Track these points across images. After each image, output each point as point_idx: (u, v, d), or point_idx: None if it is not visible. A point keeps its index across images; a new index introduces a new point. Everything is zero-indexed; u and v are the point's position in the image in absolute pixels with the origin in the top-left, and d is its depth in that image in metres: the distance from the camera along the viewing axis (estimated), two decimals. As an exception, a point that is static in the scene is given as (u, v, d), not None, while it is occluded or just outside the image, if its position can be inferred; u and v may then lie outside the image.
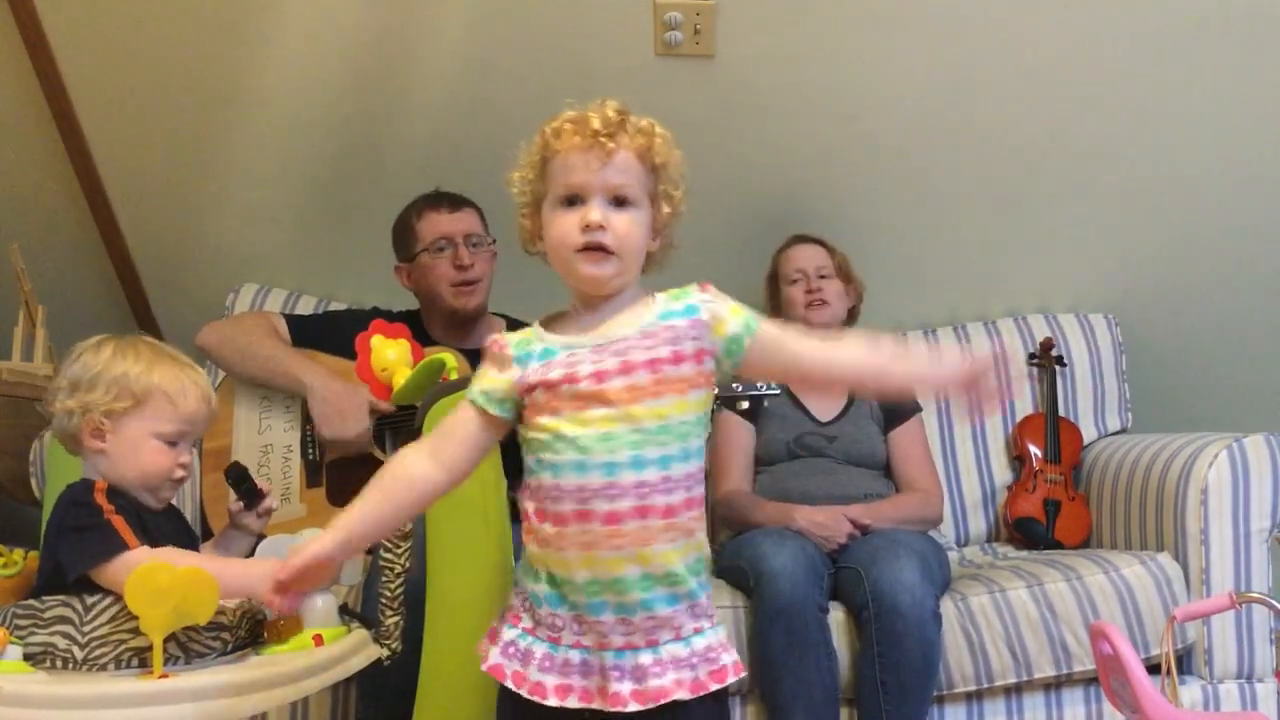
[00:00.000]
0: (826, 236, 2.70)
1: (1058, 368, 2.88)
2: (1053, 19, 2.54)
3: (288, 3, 2.59)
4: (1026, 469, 2.76)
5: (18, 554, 1.60)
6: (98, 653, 1.37)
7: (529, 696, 1.30)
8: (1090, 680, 2.17)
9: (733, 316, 1.34)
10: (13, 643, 1.37)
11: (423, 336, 2.44)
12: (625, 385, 1.28)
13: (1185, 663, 2.22)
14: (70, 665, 1.38)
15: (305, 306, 2.89)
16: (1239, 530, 2.22)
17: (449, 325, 2.52)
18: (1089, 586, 2.15)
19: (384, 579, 1.64)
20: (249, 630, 1.51)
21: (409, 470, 1.41)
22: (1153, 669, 1.82)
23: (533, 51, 2.63)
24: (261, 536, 1.71)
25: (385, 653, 1.60)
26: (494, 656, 1.35)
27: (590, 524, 1.28)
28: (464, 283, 2.46)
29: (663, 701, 1.26)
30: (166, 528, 1.55)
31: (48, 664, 1.38)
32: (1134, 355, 2.97)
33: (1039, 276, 3.02)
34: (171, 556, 1.44)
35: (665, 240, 1.38)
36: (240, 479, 1.70)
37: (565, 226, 1.32)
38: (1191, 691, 2.19)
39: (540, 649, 1.32)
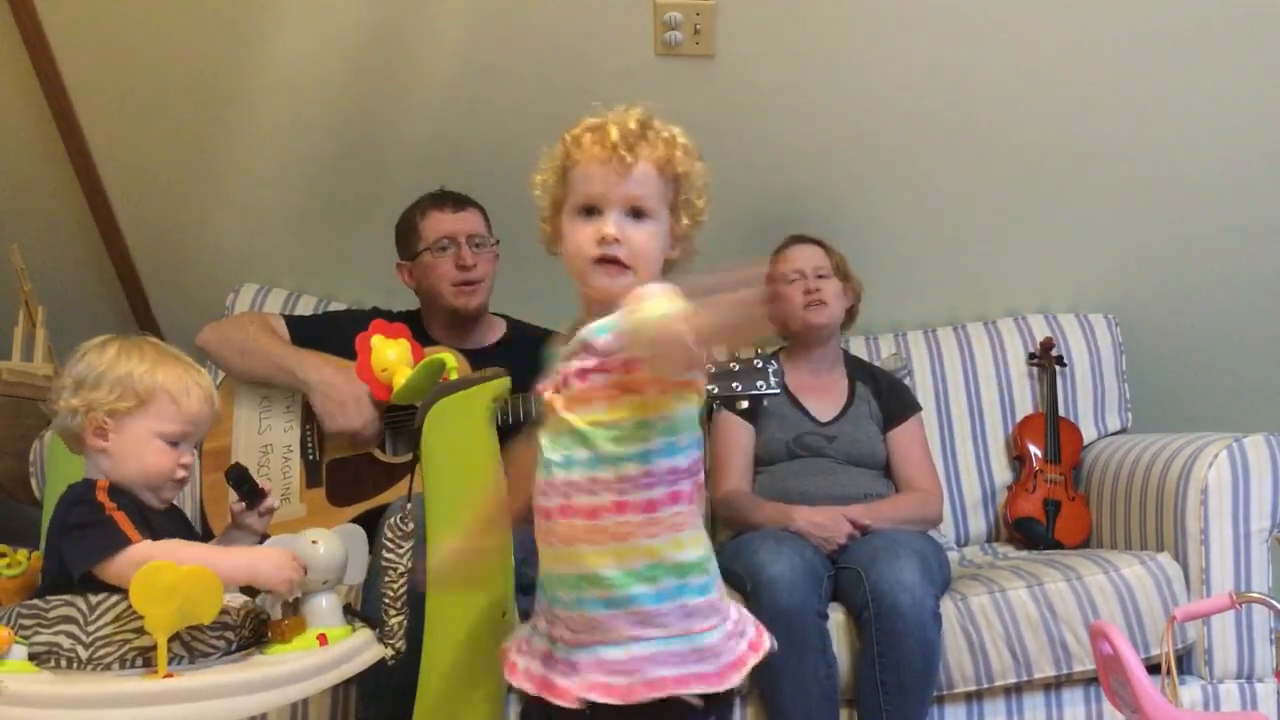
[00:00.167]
0: (826, 237, 2.69)
1: (1058, 368, 2.88)
2: (1053, 19, 2.54)
3: (288, 3, 2.59)
4: (1026, 469, 2.76)
5: (21, 554, 1.60)
6: (102, 652, 1.37)
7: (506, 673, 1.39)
8: (1090, 680, 2.17)
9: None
10: (17, 642, 1.37)
11: (423, 336, 2.44)
12: (567, 391, 1.32)
13: (1185, 663, 2.23)
14: (75, 665, 1.38)
15: (305, 306, 2.89)
16: (1239, 530, 2.22)
17: (449, 325, 2.52)
18: (1089, 586, 2.15)
19: (386, 579, 1.64)
20: (253, 630, 1.51)
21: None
22: (1153, 669, 1.82)
23: (533, 51, 2.63)
24: (265, 536, 1.71)
25: (389, 652, 1.61)
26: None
27: (540, 520, 1.34)
28: (465, 282, 2.46)
29: (595, 699, 1.27)
30: (169, 527, 1.55)
31: (52, 664, 1.38)
32: (1134, 355, 2.98)
33: (1039, 276, 3.02)
34: (175, 548, 1.45)
35: (686, 248, 1.39)
36: (241, 480, 1.70)
37: (582, 237, 1.32)
38: (1191, 691, 2.19)
39: (524, 632, 1.41)
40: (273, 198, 2.95)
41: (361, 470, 2.36)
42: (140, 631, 1.35)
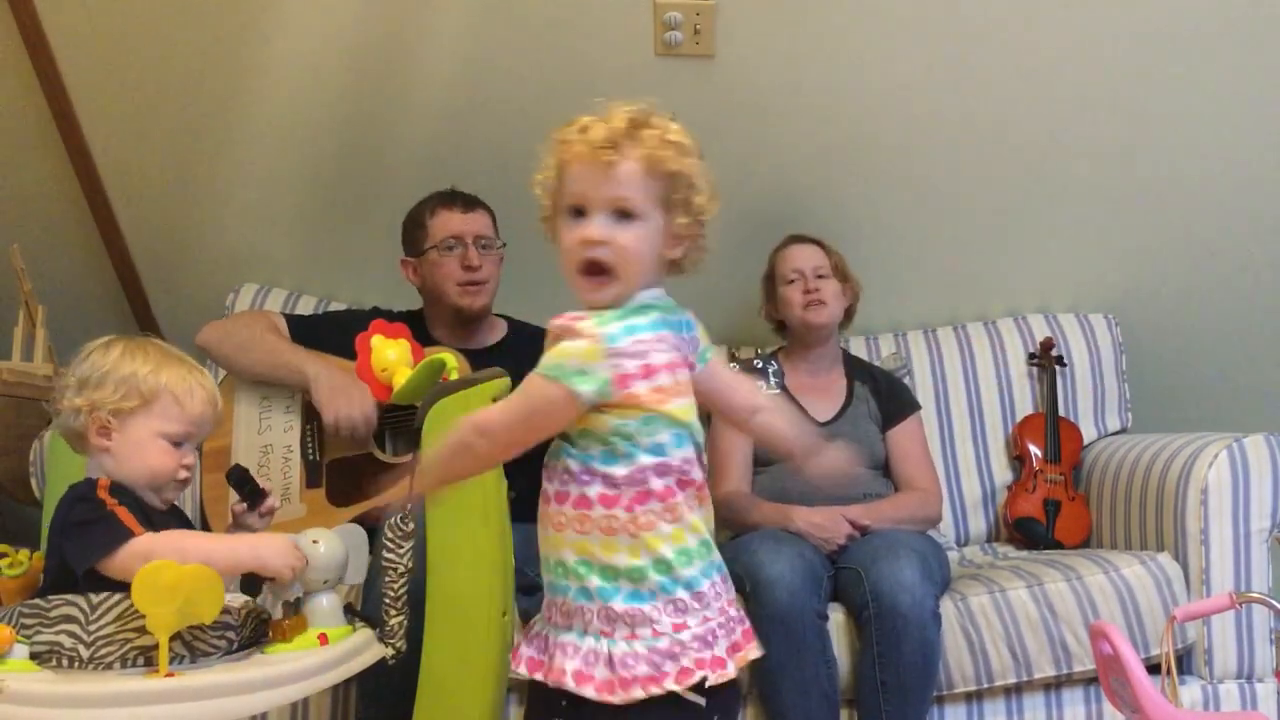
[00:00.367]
0: (826, 237, 2.69)
1: (1058, 368, 2.88)
2: (1053, 19, 2.54)
3: (287, 3, 2.59)
4: (1026, 469, 2.76)
5: (23, 554, 1.60)
6: (103, 651, 1.38)
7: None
8: (1090, 680, 2.17)
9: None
10: (19, 642, 1.37)
11: (424, 336, 2.44)
12: None
13: (1185, 663, 2.23)
14: (76, 664, 1.38)
15: (305, 306, 2.89)
16: (1239, 530, 2.22)
17: (452, 324, 2.52)
18: (1089, 586, 2.15)
19: (387, 579, 1.64)
20: (254, 629, 1.52)
21: None
22: (1153, 669, 1.82)
23: (533, 51, 2.63)
24: (266, 536, 1.72)
25: (390, 652, 1.61)
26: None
27: None
28: (470, 283, 2.46)
29: (566, 688, 1.31)
30: (170, 526, 1.55)
31: (54, 663, 1.38)
32: (1134, 355, 2.98)
33: (1039, 276, 3.03)
34: (178, 538, 1.46)
35: (691, 247, 1.38)
36: (242, 481, 1.70)
37: (569, 240, 1.33)
38: (1191, 691, 2.19)
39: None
40: (272, 198, 2.95)
41: (362, 470, 2.36)
42: (141, 631, 1.35)
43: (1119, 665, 1.68)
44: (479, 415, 1.33)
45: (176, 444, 1.57)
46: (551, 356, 1.27)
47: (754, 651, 1.40)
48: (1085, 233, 2.92)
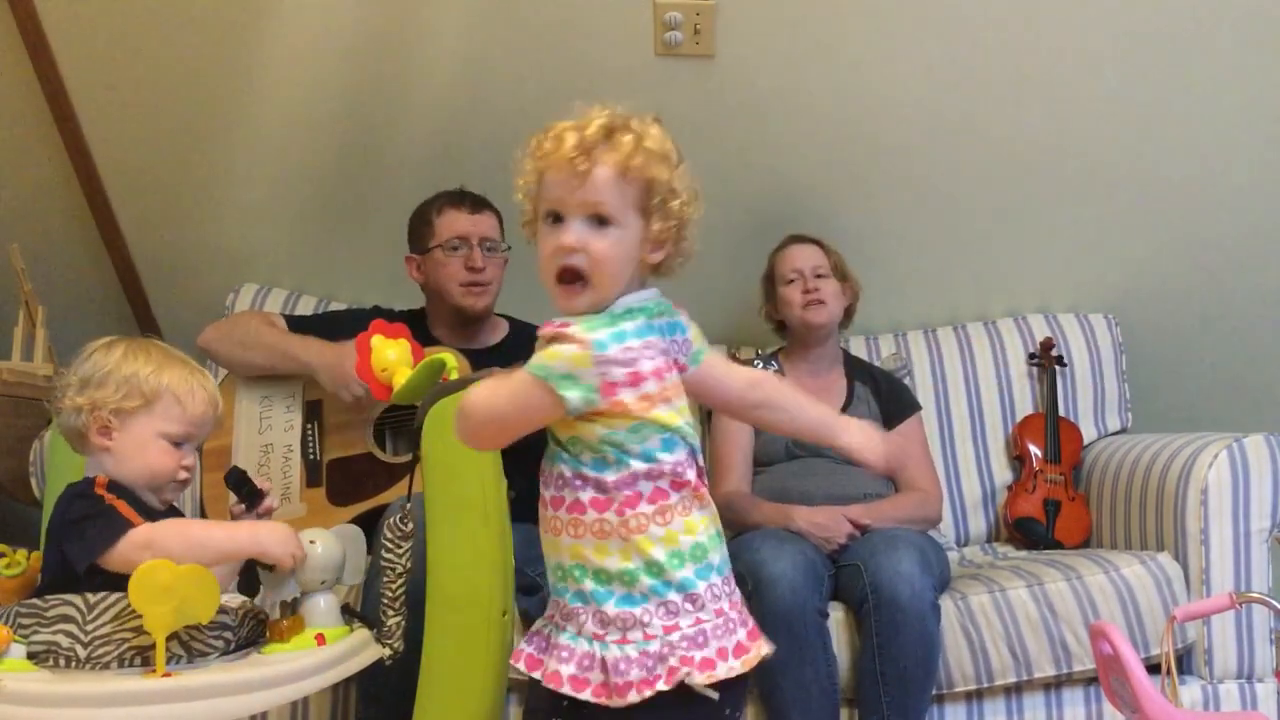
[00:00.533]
0: (826, 237, 2.70)
1: (1058, 368, 2.88)
2: (1053, 19, 2.54)
3: (287, 3, 2.59)
4: (1026, 469, 2.76)
5: (21, 554, 1.60)
6: (100, 651, 1.38)
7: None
8: (1090, 680, 2.17)
9: None
10: (16, 641, 1.38)
11: (425, 335, 2.45)
12: None
13: (1185, 663, 2.23)
14: (73, 664, 1.38)
15: (305, 306, 2.90)
16: (1239, 530, 2.22)
17: (453, 323, 2.52)
18: (1089, 586, 2.15)
19: (385, 579, 1.64)
20: (251, 630, 1.52)
21: None
22: (1153, 669, 1.82)
23: (532, 51, 2.63)
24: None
25: (387, 652, 1.61)
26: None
27: None
28: (473, 284, 2.46)
29: (563, 692, 1.31)
30: (170, 526, 1.55)
31: (51, 663, 1.38)
32: (1134, 355, 2.98)
33: (1039, 276, 3.02)
34: (180, 525, 1.46)
35: (672, 251, 1.36)
36: (240, 482, 1.70)
37: (546, 247, 1.32)
38: (1191, 691, 2.19)
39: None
40: (273, 198, 2.95)
41: (361, 470, 2.36)
42: (139, 630, 1.36)
43: (1119, 665, 1.68)
44: (467, 395, 1.32)
45: (177, 444, 1.57)
46: (542, 357, 1.26)
47: (764, 647, 1.39)
48: (1085, 233, 2.92)
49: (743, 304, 2.81)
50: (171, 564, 1.32)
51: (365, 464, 2.36)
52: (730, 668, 1.33)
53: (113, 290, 3.13)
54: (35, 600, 1.42)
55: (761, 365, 2.10)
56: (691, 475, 1.35)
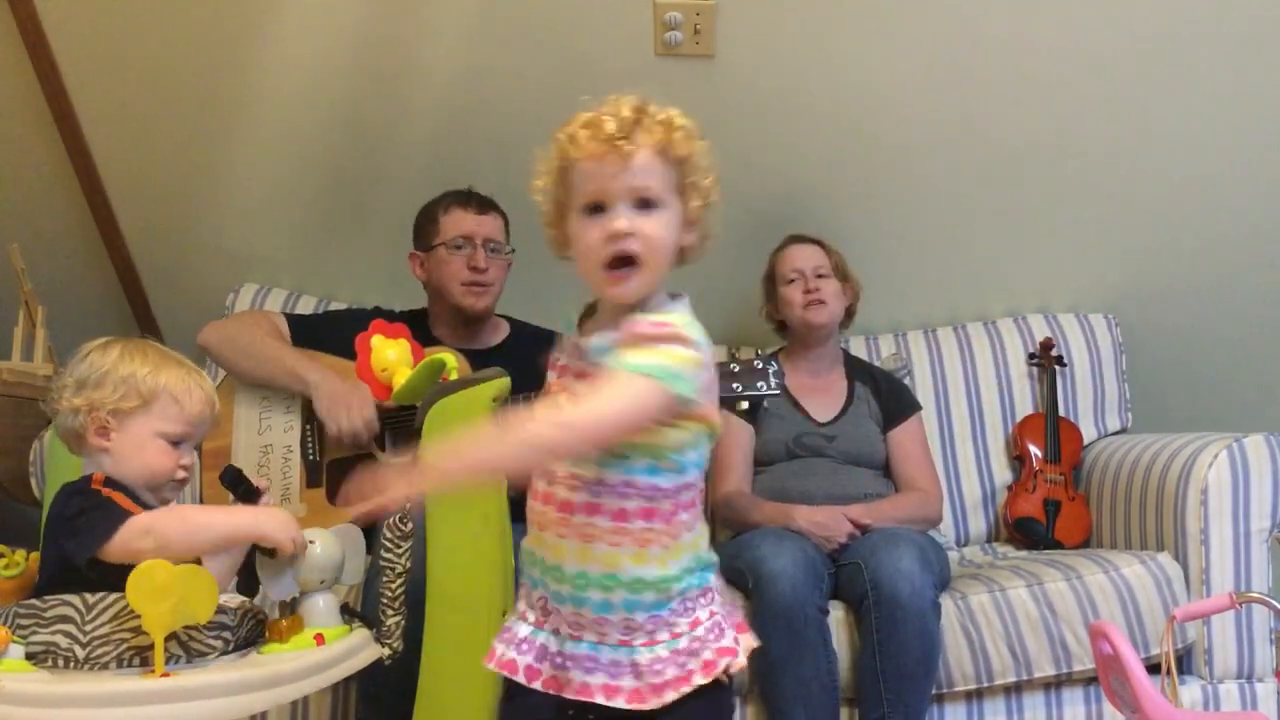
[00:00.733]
0: (826, 237, 2.70)
1: (1058, 368, 2.88)
2: (1053, 19, 2.54)
3: (288, 3, 2.59)
4: (1026, 469, 2.76)
5: (20, 554, 1.60)
6: (99, 651, 1.37)
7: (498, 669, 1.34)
8: (1090, 680, 2.17)
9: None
10: (15, 642, 1.37)
11: (425, 334, 2.45)
12: (569, 389, 1.32)
13: (1185, 663, 2.23)
14: (72, 664, 1.38)
15: (305, 306, 2.90)
16: (1239, 530, 2.22)
17: (454, 323, 2.52)
18: (1089, 586, 2.15)
19: (385, 579, 1.64)
20: (251, 630, 1.52)
21: None
22: (1153, 669, 1.82)
23: (532, 52, 2.63)
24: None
25: (386, 652, 1.61)
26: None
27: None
28: (475, 284, 2.46)
29: (595, 702, 1.28)
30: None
31: (50, 663, 1.38)
32: (1134, 355, 2.98)
33: (1039, 276, 3.02)
34: (178, 511, 1.46)
35: (701, 232, 1.35)
36: (236, 481, 1.70)
37: (591, 238, 1.28)
38: (1191, 691, 2.19)
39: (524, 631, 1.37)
40: (272, 198, 2.95)
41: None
42: (137, 631, 1.35)
43: (1119, 665, 1.68)
44: (560, 413, 1.25)
45: (175, 444, 1.57)
46: (649, 355, 1.22)
47: (754, 640, 1.40)
48: (1085, 233, 2.92)
49: (743, 304, 2.81)
50: (169, 564, 1.31)
51: (365, 464, 2.36)
52: (748, 644, 1.35)
53: (113, 290, 3.13)
54: (34, 601, 1.41)
55: (761, 365, 2.10)
56: (698, 506, 1.35)
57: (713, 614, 1.34)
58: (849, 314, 2.70)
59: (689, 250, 1.35)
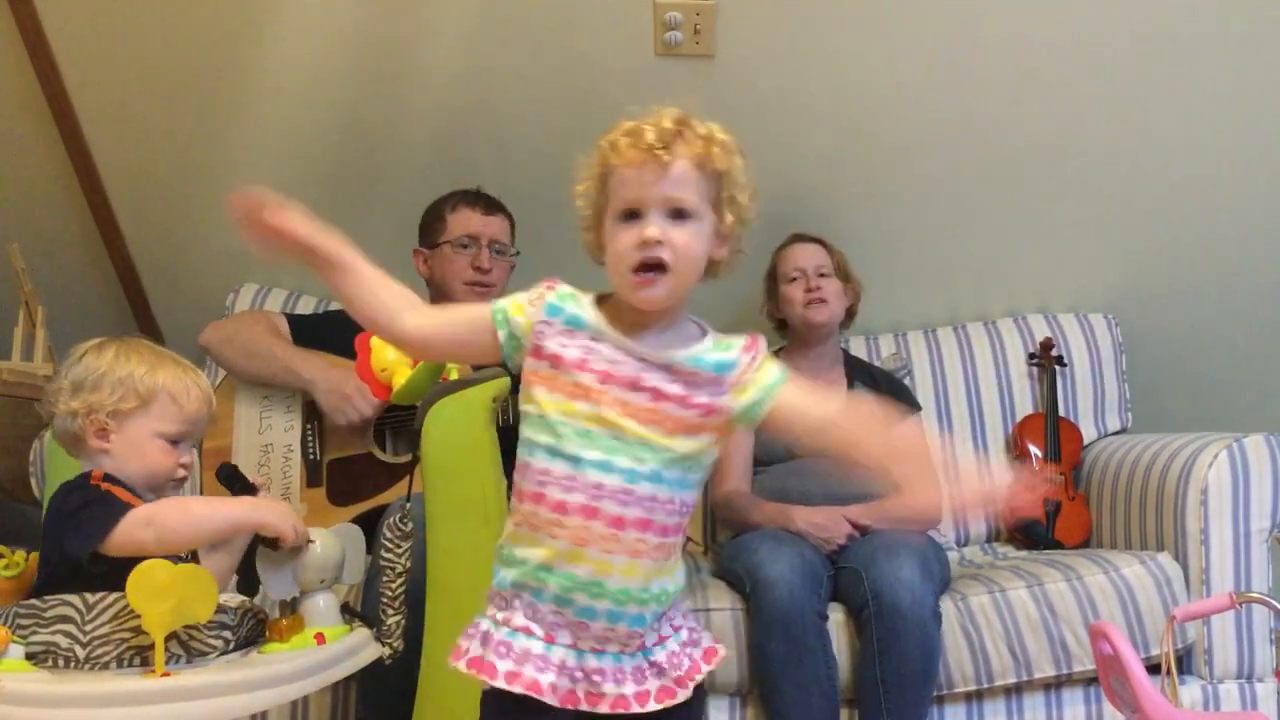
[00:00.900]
0: (826, 236, 2.70)
1: (1058, 368, 2.88)
2: (1053, 19, 2.54)
3: (288, 3, 2.59)
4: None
5: (19, 555, 1.60)
6: (99, 651, 1.38)
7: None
8: (1090, 680, 2.17)
9: (756, 384, 1.32)
10: (15, 642, 1.37)
11: (424, 336, 2.44)
12: (621, 399, 1.26)
13: (1185, 663, 2.23)
14: (72, 664, 1.38)
15: (305, 306, 2.90)
16: (1239, 530, 2.22)
17: (455, 322, 2.52)
18: (1089, 586, 2.15)
19: (385, 578, 1.64)
20: (251, 629, 1.52)
21: (394, 290, 1.46)
22: (1153, 669, 1.82)
23: (532, 52, 2.63)
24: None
25: (387, 651, 1.61)
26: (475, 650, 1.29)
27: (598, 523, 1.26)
28: (477, 284, 2.47)
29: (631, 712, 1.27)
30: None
31: (50, 663, 1.38)
32: (1134, 355, 2.98)
33: (1039, 276, 3.02)
34: (180, 501, 1.46)
35: (733, 247, 1.37)
36: (232, 478, 1.70)
37: (623, 243, 1.28)
38: (1191, 691, 2.19)
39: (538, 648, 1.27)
40: (273, 198, 2.95)
41: (361, 470, 2.36)
42: (137, 630, 1.36)
43: (1119, 665, 1.68)
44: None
45: (174, 443, 1.57)
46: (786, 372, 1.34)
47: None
48: (1085, 233, 2.92)
49: (743, 303, 2.81)
50: (169, 564, 1.32)
51: (365, 464, 2.36)
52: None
53: (113, 290, 3.13)
54: (34, 600, 1.42)
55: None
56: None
57: (686, 608, 1.39)
58: (850, 314, 2.70)
59: (719, 265, 1.36)
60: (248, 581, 1.59)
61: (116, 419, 1.54)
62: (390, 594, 1.63)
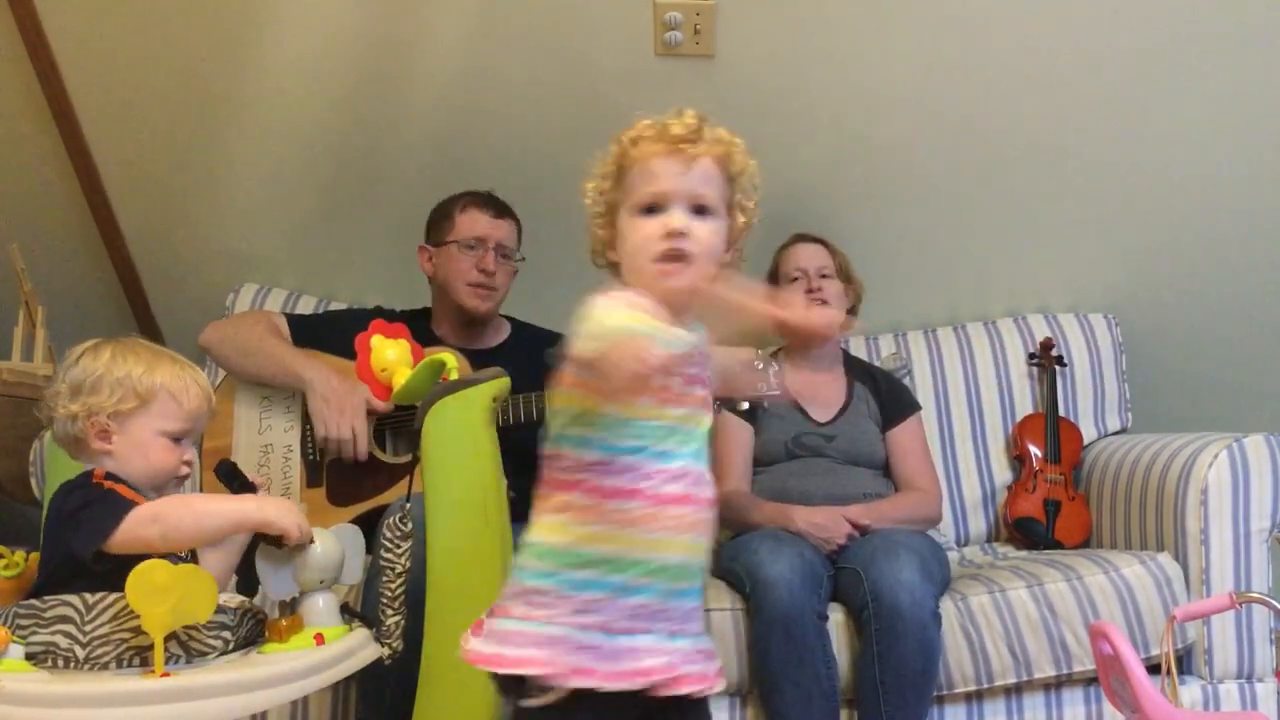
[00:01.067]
0: (826, 236, 2.70)
1: (1058, 368, 2.88)
2: (1054, 20, 2.54)
3: (288, 3, 2.59)
4: (1026, 469, 2.76)
5: (19, 555, 1.60)
6: (99, 652, 1.38)
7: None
8: (1090, 680, 2.17)
9: None
10: (15, 642, 1.37)
11: (426, 334, 2.45)
12: (688, 391, 1.31)
13: (1185, 663, 2.22)
14: (72, 664, 1.38)
15: (305, 306, 2.90)
16: (1239, 530, 2.22)
17: (456, 322, 2.53)
18: (1089, 586, 2.15)
19: (385, 578, 1.64)
20: (250, 629, 1.52)
21: None
22: (1153, 669, 1.82)
23: (532, 52, 2.63)
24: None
25: (386, 652, 1.61)
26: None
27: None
28: (481, 285, 2.47)
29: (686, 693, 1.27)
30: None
31: (49, 663, 1.38)
32: (1134, 355, 2.98)
33: (1039, 276, 3.02)
34: (184, 499, 1.46)
35: (737, 251, 1.39)
36: (231, 475, 1.71)
37: (645, 233, 1.29)
38: (1191, 691, 2.19)
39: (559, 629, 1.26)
40: (272, 198, 2.95)
41: (361, 470, 2.36)
42: (137, 631, 1.35)
43: (1119, 665, 1.68)
44: None
45: (176, 440, 1.57)
46: None
47: None
48: (1085, 233, 2.92)
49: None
50: (169, 564, 1.32)
51: (365, 464, 2.36)
52: None
53: (113, 290, 3.13)
54: (34, 601, 1.42)
55: (761, 364, 2.10)
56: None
57: None
58: (851, 315, 2.70)
59: (724, 268, 1.36)
60: (248, 581, 1.59)
61: (117, 420, 1.54)
62: (390, 594, 1.63)
